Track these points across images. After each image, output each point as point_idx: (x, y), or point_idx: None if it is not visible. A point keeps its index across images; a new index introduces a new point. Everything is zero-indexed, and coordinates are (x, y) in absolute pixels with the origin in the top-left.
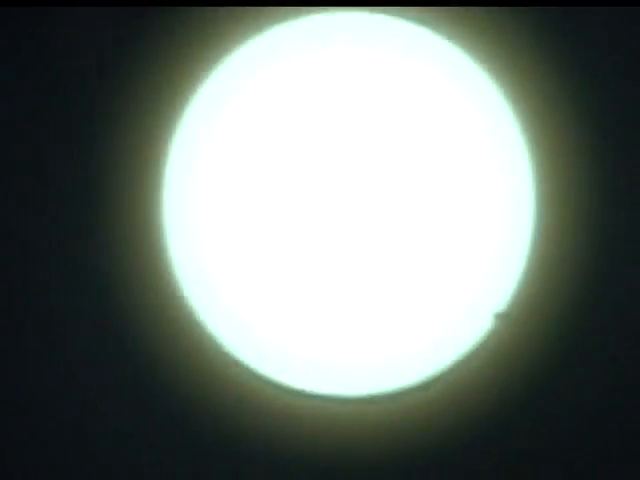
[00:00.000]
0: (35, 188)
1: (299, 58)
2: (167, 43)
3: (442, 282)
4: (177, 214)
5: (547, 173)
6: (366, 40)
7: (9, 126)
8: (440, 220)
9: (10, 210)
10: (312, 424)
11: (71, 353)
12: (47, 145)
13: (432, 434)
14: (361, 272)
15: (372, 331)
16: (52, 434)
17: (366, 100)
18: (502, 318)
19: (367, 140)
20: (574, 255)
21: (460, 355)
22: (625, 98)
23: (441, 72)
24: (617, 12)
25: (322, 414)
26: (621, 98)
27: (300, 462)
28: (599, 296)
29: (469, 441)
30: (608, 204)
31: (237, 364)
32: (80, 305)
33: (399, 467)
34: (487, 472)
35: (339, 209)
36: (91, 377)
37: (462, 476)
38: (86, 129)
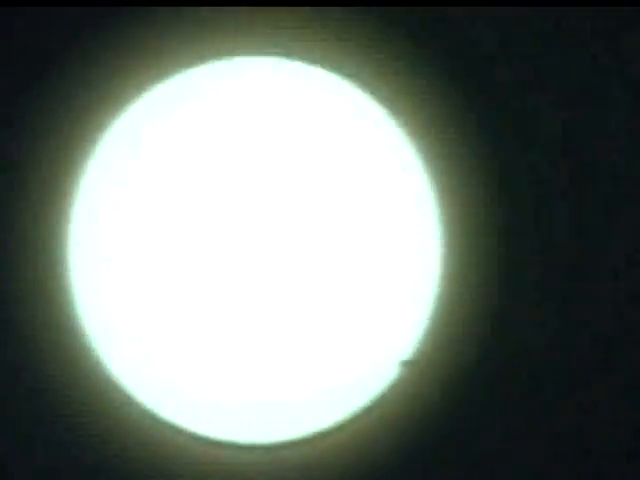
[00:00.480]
0: None
1: (201, 104)
2: (75, 84)
3: (348, 330)
4: (83, 250)
5: (453, 218)
6: (269, 84)
7: None
8: (345, 267)
9: None
10: (214, 469)
11: None
12: None
13: None
14: (265, 320)
15: (276, 379)
16: None
17: (269, 146)
18: (408, 365)
19: (272, 186)
20: (480, 301)
21: (365, 402)
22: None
23: (342, 113)
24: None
25: (226, 461)
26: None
27: None
28: (505, 344)
29: None
30: (514, 247)
31: (143, 411)
32: None
33: None
34: None
35: (245, 256)
36: None
37: None
38: None
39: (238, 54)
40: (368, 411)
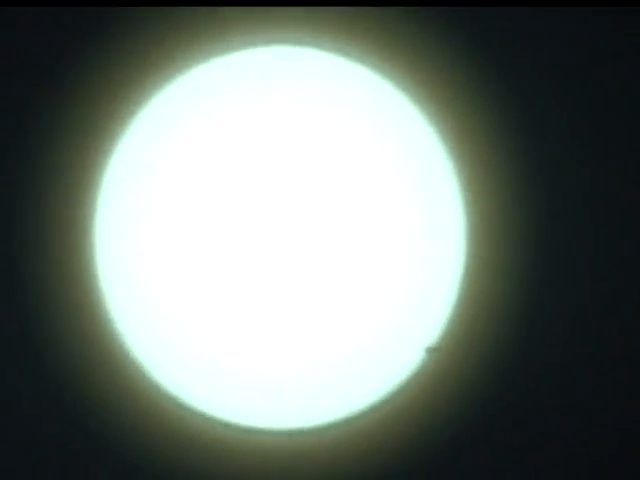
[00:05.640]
0: None
1: (228, 97)
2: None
3: (371, 316)
4: (110, 239)
5: (476, 206)
6: (292, 74)
7: None
8: (370, 256)
9: None
10: (240, 457)
11: None
12: None
13: (360, 468)
14: (288, 308)
15: (300, 365)
16: None
17: (291, 140)
18: (432, 352)
19: (296, 182)
20: (504, 288)
21: (390, 389)
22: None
23: (364, 102)
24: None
25: (253, 448)
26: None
27: None
28: (530, 329)
29: (396, 476)
30: (538, 236)
31: (166, 395)
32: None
33: None
34: None
35: (268, 250)
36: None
37: None
38: (18, 149)
39: (253, 45)
40: (392, 398)
